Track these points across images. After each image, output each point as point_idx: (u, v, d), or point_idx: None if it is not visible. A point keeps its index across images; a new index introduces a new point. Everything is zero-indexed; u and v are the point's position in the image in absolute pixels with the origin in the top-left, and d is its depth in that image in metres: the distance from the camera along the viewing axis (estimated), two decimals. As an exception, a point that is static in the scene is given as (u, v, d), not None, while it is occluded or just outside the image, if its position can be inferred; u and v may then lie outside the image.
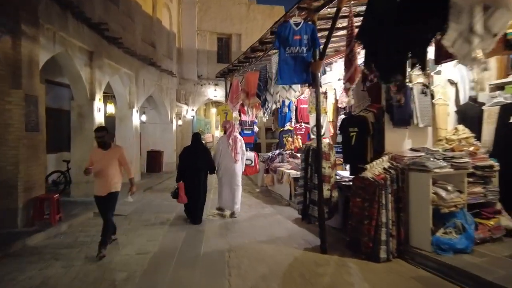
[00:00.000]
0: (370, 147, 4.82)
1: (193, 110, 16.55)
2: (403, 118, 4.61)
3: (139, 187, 9.53)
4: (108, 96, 9.97)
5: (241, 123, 8.85)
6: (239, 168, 6.34)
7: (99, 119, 8.18)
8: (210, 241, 4.92)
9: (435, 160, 4.03)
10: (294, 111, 8.66)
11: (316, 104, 4.23)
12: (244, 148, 6.57)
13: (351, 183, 5.05)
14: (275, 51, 5.94)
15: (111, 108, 8.17)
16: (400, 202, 4.09)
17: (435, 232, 3.90)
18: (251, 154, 8.70)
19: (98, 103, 8.14)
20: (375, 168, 4.18)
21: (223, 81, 17.13)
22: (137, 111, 10.89)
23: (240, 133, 8.85)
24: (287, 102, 8.76)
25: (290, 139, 8.58)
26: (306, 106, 8.90)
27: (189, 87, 16.61)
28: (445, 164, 3.94)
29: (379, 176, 4.06)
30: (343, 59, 4.33)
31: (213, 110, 20.65)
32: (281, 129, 9.22)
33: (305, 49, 4.13)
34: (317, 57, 4.13)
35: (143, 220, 6.22)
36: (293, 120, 8.70)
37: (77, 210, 6.60)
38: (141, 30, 11.29)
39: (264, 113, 6.61)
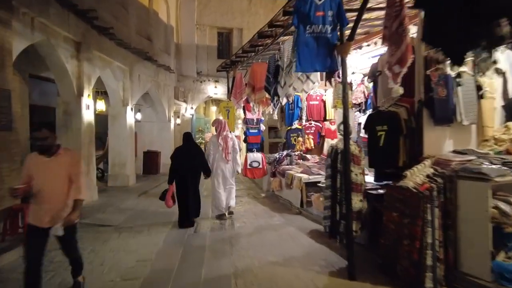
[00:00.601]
0: (403, 148, 4.03)
1: (192, 108, 15.75)
2: (445, 114, 3.82)
3: (133, 191, 8.78)
4: (99, 92, 9.16)
5: (246, 121, 8.05)
6: (232, 168, 6.12)
7: (88, 117, 7.39)
8: (211, 261, 4.12)
9: (492, 165, 3.24)
10: (304, 108, 7.85)
11: (343, 97, 3.44)
12: (237, 147, 6.21)
13: (379, 191, 4.28)
14: (286, 37, 5.15)
15: (101, 105, 7.40)
16: (449, 217, 3.30)
17: (496, 256, 3.11)
18: (259, 156, 7.91)
19: (86, 99, 7.34)
20: (416, 176, 3.39)
21: (224, 77, 16.34)
22: (131, 109, 10.09)
23: (245, 133, 8.07)
24: (302, 96, 7.93)
25: (300, 139, 7.77)
26: (316, 102, 8.12)
27: (188, 84, 15.80)
28: (508, 170, 3.15)
29: (423, 185, 3.26)
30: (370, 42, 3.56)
31: (213, 108, 19.83)
32: (289, 128, 8.42)
33: (329, 28, 3.34)
34: (345, 38, 3.34)
35: (135, 232, 5.42)
36: (304, 118, 7.89)
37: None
38: (136, 21, 10.47)
39: (273, 109, 5.80)
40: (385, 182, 4.59)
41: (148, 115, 13.07)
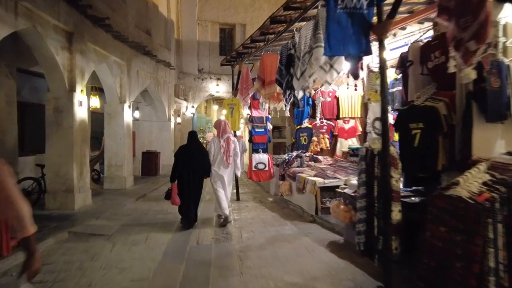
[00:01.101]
0: (443, 149, 3.45)
1: (193, 107, 15.15)
2: (499, 109, 3.21)
3: (131, 194, 8.18)
4: (93, 88, 8.56)
5: (252, 119, 7.44)
6: (231, 172, 5.86)
7: (80, 114, 6.78)
8: (218, 281, 3.51)
9: None
10: (318, 105, 7.25)
11: (381, 87, 2.82)
12: (238, 150, 5.94)
13: (413, 199, 3.67)
14: (303, 23, 4.54)
15: (95, 102, 6.79)
16: (513, 235, 2.69)
17: None
18: (265, 157, 7.30)
19: (79, 95, 6.73)
20: (470, 183, 2.78)
21: (227, 75, 15.74)
22: (129, 107, 9.49)
23: (250, 132, 7.47)
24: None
25: (314, 138, 7.16)
26: (328, 99, 7.51)
27: (188, 81, 15.20)
28: None
29: (481, 195, 2.65)
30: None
31: (215, 108, 19.23)
32: (298, 127, 7.82)
33: (365, 3, 2.74)
34: (383, 16, 2.73)
35: (130, 243, 4.81)
36: (318, 116, 7.28)
37: (48, 228, 5.19)
38: (134, 14, 9.88)
39: (286, 105, 5.18)
40: (414, 188, 4.01)
41: (147, 113, 12.48)
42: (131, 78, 9.62)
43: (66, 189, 6.44)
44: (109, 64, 8.46)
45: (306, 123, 7.73)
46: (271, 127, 7.57)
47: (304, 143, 7.70)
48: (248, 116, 7.43)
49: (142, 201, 7.83)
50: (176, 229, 5.48)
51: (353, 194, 4.04)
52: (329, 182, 5.63)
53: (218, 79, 15.41)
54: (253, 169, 7.30)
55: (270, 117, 7.60)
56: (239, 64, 7.32)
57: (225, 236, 5.09)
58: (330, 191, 5.63)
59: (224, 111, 8.46)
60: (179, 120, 13.73)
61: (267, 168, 7.28)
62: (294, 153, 7.12)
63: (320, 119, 7.55)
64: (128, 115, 9.44)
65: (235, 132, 7.56)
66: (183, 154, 5.48)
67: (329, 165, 6.74)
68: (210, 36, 15.78)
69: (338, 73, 3.65)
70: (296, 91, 4.41)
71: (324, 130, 7.56)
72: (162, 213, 6.64)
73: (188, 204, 5.43)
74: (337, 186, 5.17)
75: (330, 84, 3.86)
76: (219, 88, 15.37)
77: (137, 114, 9.58)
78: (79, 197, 6.61)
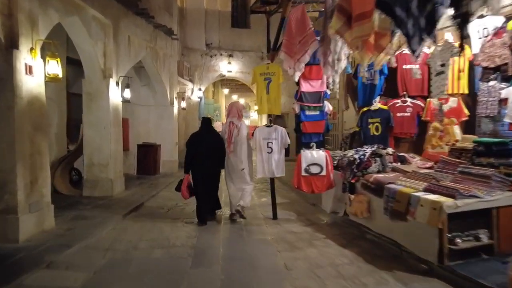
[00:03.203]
0: None
1: (200, 89, 12.56)
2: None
3: (119, 205, 5.44)
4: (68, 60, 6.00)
5: (302, 97, 4.83)
6: (238, 162, 5.00)
7: (29, 87, 4.22)
8: None
9: None
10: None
11: None
12: (244, 138, 4.98)
13: None
14: None
15: (54, 68, 4.23)
16: None
17: None
18: (321, 155, 4.77)
19: (26, 56, 4.17)
20: None
21: (241, 51, 13.09)
22: (117, 84, 6.93)
23: (298, 117, 4.90)
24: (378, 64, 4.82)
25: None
26: (412, 66, 4.94)
27: (194, 59, 12.59)
28: None
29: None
30: None
31: (225, 91, 16.59)
32: (365, 110, 5.26)
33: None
34: None
35: None
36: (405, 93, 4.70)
37: None
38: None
39: (417, 56, 2.64)
40: None
41: (143, 96, 9.92)
42: (119, 45, 7.03)
43: (3, 209, 3.94)
44: (85, 21, 5.89)
45: (377, 103, 5.16)
46: (331, 108, 4.98)
47: (376, 133, 5.16)
48: (297, 92, 4.82)
49: (133, 219, 5.33)
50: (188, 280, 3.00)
51: None
52: (465, 205, 3.10)
53: (230, 55, 12.79)
54: (303, 173, 4.77)
55: (328, 93, 5.00)
56: (284, 6, 4.62)
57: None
58: (463, 220, 3.15)
59: (254, 88, 5.83)
60: (183, 104, 11.15)
61: (324, 173, 4.74)
62: (368, 149, 4.56)
63: (401, 96, 4.99)
64: (116, 95, 6.89)
65: (273, 117, 5.01)
66: (196, 141, 4.99)
67: (429, 168, 4.21)
68: (220, 4, 13.12)
69: None
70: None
71: (408, 114, 5.01)
72: (163, 245, 4.15)
73: (202, 198, 4.94)
74: (479, 212, 3.02)
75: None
76: (232, 66, 12.75)
77: (127, 93, 7.03)
78: (28, 220, 4.12)
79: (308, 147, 4.86)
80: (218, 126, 16.79)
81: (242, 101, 23.78)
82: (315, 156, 4.79)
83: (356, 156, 4.53)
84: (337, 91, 5.11)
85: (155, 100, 9.96)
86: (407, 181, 3.81)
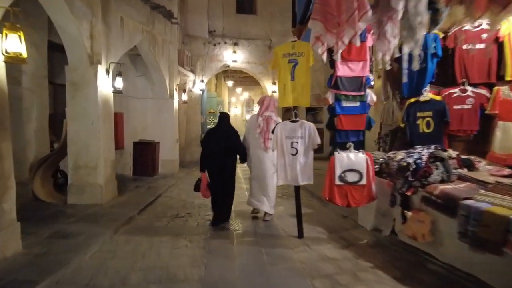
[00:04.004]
0: None
1: (202, 81, 11.49)
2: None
3: (109, 216, 4.17)
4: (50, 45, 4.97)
5: (337, 82, 3.74)
6: (271, 159, 4.73)
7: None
8: None
9: None
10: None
11: None
12: None
13: None
14: None
15: (16, 45, 3.18)
16: None
17: None
18: (360, 159, 3.76)
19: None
20: None
21: (247, 39, 11.98)
22: (107, 72, 5.89)
23: (332, 109, 3.87)
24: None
25: None
26: (479, 46, 3.90)
27: (196, 47, 11.51)
28: None
29: None
30: None
31: (229, 83, 15.50)
32: (413, 101, 4.22)
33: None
34: None
35: None
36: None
37: None
38: None
39: None
40: None
41: (140, 87, 8.87)
42: (110, 27, 5.98)
43: None
44: (67, -6, 4.84)
45: (428, 93, 4.12)
46: (374, 98, 3.92)
47: (427, 130, 4.13)
48: (331, 77, 3.74)
49: (125, 237, 4.32)
50: None
51: None
52: None
53: (235, 44, 11.71)
54: (337, 182, 3.74)
55: (371, 78, 3.93)
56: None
57: None
58: None
59: (276, 73, 4.80)
60: (184, 97, 10.10)
61: (364, 181, 3.72)
62: (424, 151, 3.53)
63: (459, 84, 3.96)
64: (106, 84, 5.85)
65: (299, 108, 4.00)
66: (212, 138, 4.78)
67: (509, 176, 3.19)
68: (224, -12, 11.99)
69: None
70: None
71: (470, 107, 3.98)
72: (161, 278, 3.14)
73: (220, 198, 4.69)
74: None
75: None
76: (237, 56, 11.68)
77: (119, 83, 5.95)
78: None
79: (344, 148, 3.83)
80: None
81: (246, 95, 22.71)
82: (352, 160, 3.76)
83: (410, 161, 3.50)
84: (371, 78, 4.09)
85: (153, 92, 8.92)
86: (493, 196, 2.79)
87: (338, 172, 3.79)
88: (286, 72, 3.92)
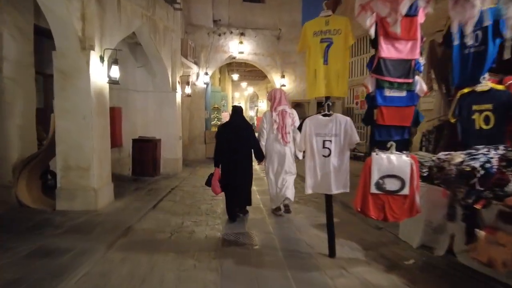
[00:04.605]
0: None
1: (207, 74, 10.74)
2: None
3: (103, 227, 3.11)
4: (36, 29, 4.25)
5: (379, 66, 2.94)
6: (290, 154, 4.81)
7: None
8: None
9: None
10: None
11: None
12: (297, 124, 4.72)
13: None
14: None
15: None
16: None
17: None
18: (403, 163, 3.01)
19: None
20: None
21: (255, 29, 11.20)
22: (101, 59, 5.16)
23: (372, 99, 3.11)
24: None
25: None
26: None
27: (200, 37, 10.75)
28: None
29: None
30: None
31: (235, 76, 14.73)
32: (465, 92, 3.46)
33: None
34: None
35: None
36: None
37: None
38: None
39: None
40: None
41: (140, 80, 8.15)
42: (104, 9, 5.24)
43: None
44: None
45: (487, 82, 3.38)
46: (424, 87, 3.15)
47: (485, 126, 3.39)
48: (372, 58, 2.98)
49: (121, 254, 3.61)
50: None
51: None
52: None
53: (242, 34, 10.95)
54: (373, 190, 3.01)
55: (422, 62, 3.18)
56: None
57: None
58: None
59: (309, 56, 4.03)
60: (188, 90, 9.36)
61: (407, 191, 2.98)
62: (491, 153, 2.80)
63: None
64: (100, 73, 5.13)
65: (328, 100, 3.29)
66: (226, 133, 4.63)
67: None
68: (230, -26, 11.21)
69: None
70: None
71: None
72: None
73: (233, 192, 4.58)
74: None
75: None
76: (244, 47, 10.92)
77: (115, 72, 5.18)
78: None
79: (384, 148, 3.10)
80: (225, 116, 15.06)
81: (250, 90, 21.93)
82: (394, 163, 3.03)
83: (476, 165, 2.78)
84: (422, 62, 3.34)
85: (154, 85, 8.19)
86: None
87: (375, 177, 3.06)
88: (317, 54, 3.18)
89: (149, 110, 8.24)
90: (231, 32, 10.91)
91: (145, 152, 7.72)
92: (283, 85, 11.36)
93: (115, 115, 7.37)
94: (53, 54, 4.83)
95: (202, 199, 5.91)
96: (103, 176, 5.20)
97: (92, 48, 4.90)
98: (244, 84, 19.75)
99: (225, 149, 4.56)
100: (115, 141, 7.38)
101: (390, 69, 3.03)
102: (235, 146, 4.54)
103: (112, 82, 5.31)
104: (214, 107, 13.22)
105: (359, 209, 3.22)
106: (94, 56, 4.97)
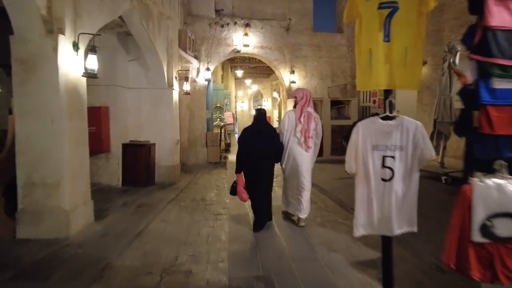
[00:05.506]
0: None
1: (208, 69, 9.65)
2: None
3: (73, 262, 2.86)
4: None
5: (485, 42, 1.84)
6: (310, 159, 4.51)
7: None
8: None
9: None
10: None
11: None
12: (320, 131, 4.55)
13: None
14: None
15: None
16: None
17: None
18: None
19: None
20: None
21: (261, 19, 10.11)
22: (74, 46, 4.08)
23: (471, 93, 1.95)
24: None
25: None
26: None
27: (201, 29, 9.66)
28: None
29: None
30: None
31: (239, 73, 13.62)
32: None
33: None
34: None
35: None
36: None
37: None
38: None
39: None
40: None
41: (132, 75, 7.07)
42: (80, -17, 4.16)
43: None
44: None
45: None
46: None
47: None
48: (470, 30, 1.89)
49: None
50: None
51: None
52: None
53: (247, 25, 9.84)
54: (475, 238, 1.94)
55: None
56: None
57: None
58: None
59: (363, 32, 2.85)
60: (187, 87, 8.27)
61: None
62: None
63: None
64: (73, 64, 4.06)
65: (393, 97, 2.18)
66: (248, 137, 4.43)
67: None
68: (233, -42, 10.11)
69: None
70: None
71: None
72: None
73: (258, 200, 4.37)
74: None
75: None
76: (249, 39, 9.81)
77: (92, 62, 4.08)
78: None
79: (491, 169, 2.02)
80: (228, 116, 13.97)
81: (255, 88, 20.84)
82: (509, 195, 1.94)
83: None
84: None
85: (147, 81, 7.12)
86: None
87: (479, 217, 1.97)
88: (373, 27, 2.09)
89: (142, 109, 7.17)
90: (235, 23, 9.80)
91: (137, 158, 6.66)
92: (293, 82, 10.26)
93: (101, 115, 6.33)
94: (10, 39, 3.77)
95: (203, 219, 4.84)
96: (77, 193, 4.13)
97: (61, 31, 3.84)
98: (248, 82, 18.65)
99: (249, 156, 4.36)
100: (102, 146, 6.33)
101: (503, 46, 1.92)
102: (256, 151, 4.36)
103: (89, 75, 4.22)
104: (217, 107, 12.15)
105: (452, 265, 2.10)
106: (65, 42, 3.90)
